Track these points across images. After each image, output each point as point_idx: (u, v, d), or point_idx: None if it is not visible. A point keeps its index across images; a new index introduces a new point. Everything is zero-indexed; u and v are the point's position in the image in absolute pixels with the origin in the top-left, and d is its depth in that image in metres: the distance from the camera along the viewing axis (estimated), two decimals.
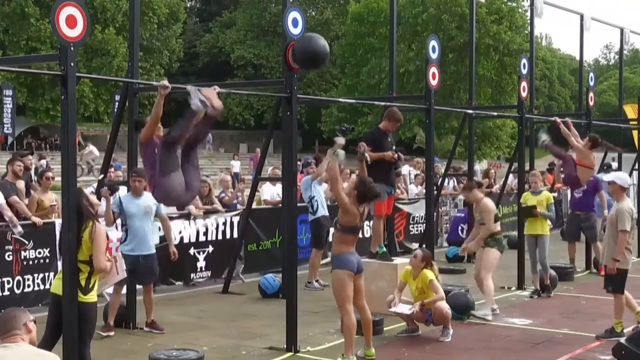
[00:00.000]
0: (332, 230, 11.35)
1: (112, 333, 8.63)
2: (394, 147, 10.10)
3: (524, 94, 13.52)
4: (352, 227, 7.57)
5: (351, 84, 50.41)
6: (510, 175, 17.56)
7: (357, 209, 7.52)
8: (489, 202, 10.22)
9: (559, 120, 13.44)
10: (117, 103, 11.88)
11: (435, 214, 13.87)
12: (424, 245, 11.42)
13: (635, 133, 21.89)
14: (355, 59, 50.84)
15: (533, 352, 8.20)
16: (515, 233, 15.67)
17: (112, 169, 12.55)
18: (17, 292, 9.69)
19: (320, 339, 8.35)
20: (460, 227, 15.90)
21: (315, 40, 7.82)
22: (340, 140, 7.67)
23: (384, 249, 10.04)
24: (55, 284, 6.52)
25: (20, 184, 10.85)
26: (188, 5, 65.49)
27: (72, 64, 6.31)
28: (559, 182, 18.85)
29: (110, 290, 10.41)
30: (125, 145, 9.88)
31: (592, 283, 12.60)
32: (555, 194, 19.59)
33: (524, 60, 13.99)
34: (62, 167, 6.43)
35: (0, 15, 44.22)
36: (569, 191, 13.83)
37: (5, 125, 37.68)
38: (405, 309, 8.71)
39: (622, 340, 7.23)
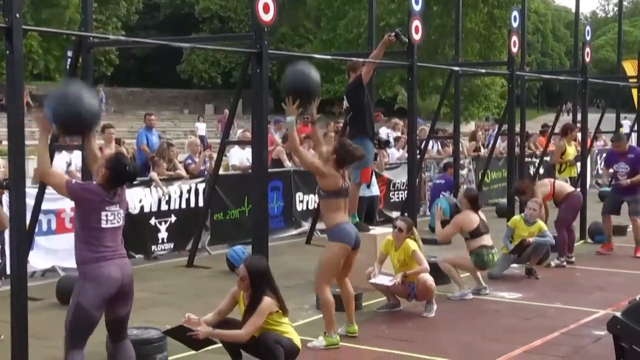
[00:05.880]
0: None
1: None
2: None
3: (514, 50, 13.55)
4: (336, 190, 7.50)
5: (327, 39, 50.11)
6: (499, 138, 17.62)
7: (337, 171, 7.51)
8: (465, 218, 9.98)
9: None
10: (69, 59, 11.72)
11: (418, 180, 13.90)
12: (405, 214, 11.45)
13: (634, 91, 22.04)
14: (331, 12, 50.50)
15: (523, 328, 8.29)
16: (504, 200, 15.79)
17: None
18: None
19: (295, 315, 8.36)
20: (442, 195, 15.89)
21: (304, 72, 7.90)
22: (289, 108, 7.60)
23: (357, 218, 10.10)
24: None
25: None
26: None
27: (17, 15, 6.22)
28: (554, 146, 19.00)
29: (64, 264, 10.42)
30: None
31: (587, 254, 12.72)
32: (548, 158, 19.74)
33: (515, 13, 14.00)
34: (8, 129, 6.35)
35: None
36: (600, 165, 13.20)
37: None
38: (385, 281, 8.74)
39: (618, 314, 7.31)
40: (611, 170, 13.15)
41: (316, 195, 11.76)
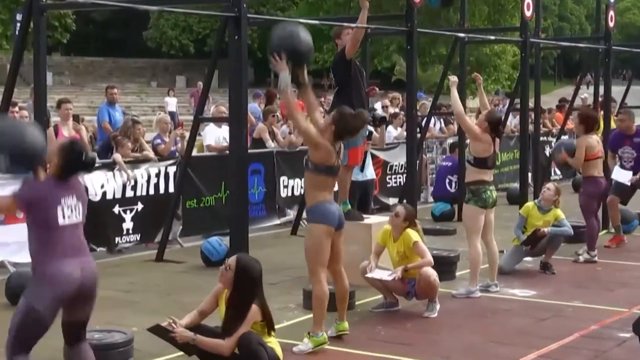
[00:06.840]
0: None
1: None
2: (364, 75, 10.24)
3: (528, 13, 13.54)
4: (329, 166, 7.49)
5: (314, 2, 50.09)
6: (510, 115, 17.63)
7: (333, 145, 7.52)
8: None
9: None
10: (18, 24, 11.65)
11: (418, 162, 13.92)
12: (404, 201, 11.46)
13: None
14: None
15: (537, 330, 8.33)
16: (516, 185, 15.83)
17: (17, 108, 12.34)
18: None
19: (279, 316, 8.38)
20: (448, 180, 15.91)
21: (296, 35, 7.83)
22: (280, 65, 7.55)
23: (349, 205, 10.09)
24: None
25: None
26: None
27: None
28: (572, 123, 19.05)
29: (15, 259, 10.39)
30: (30, 77, 9.75)
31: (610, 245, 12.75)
32: (566, 137, 19.79)
33: None
34: None
35: None
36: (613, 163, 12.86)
37: None
38: (384, 275, 8.70)
39: None
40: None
41: (302, 180, 11.73)
